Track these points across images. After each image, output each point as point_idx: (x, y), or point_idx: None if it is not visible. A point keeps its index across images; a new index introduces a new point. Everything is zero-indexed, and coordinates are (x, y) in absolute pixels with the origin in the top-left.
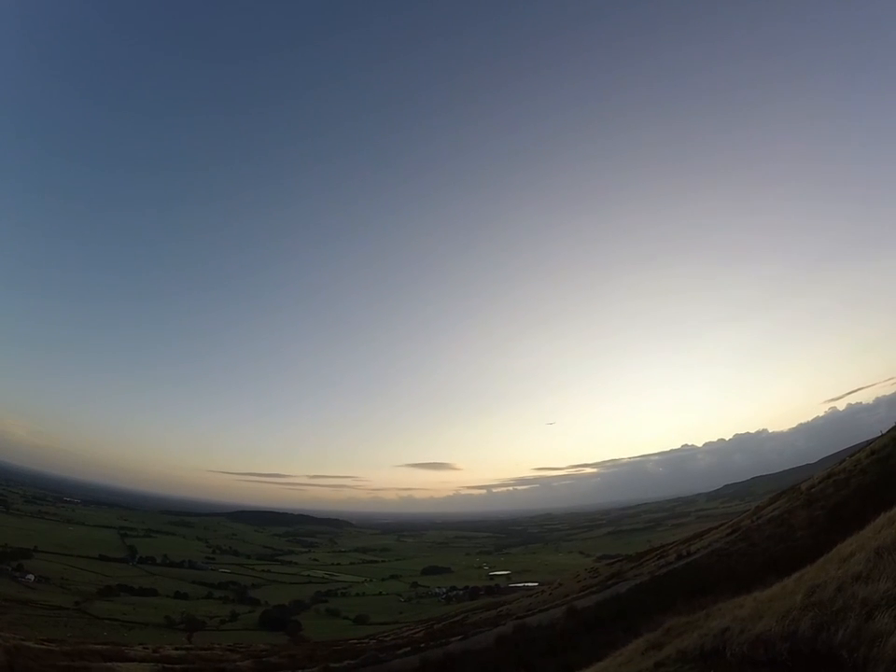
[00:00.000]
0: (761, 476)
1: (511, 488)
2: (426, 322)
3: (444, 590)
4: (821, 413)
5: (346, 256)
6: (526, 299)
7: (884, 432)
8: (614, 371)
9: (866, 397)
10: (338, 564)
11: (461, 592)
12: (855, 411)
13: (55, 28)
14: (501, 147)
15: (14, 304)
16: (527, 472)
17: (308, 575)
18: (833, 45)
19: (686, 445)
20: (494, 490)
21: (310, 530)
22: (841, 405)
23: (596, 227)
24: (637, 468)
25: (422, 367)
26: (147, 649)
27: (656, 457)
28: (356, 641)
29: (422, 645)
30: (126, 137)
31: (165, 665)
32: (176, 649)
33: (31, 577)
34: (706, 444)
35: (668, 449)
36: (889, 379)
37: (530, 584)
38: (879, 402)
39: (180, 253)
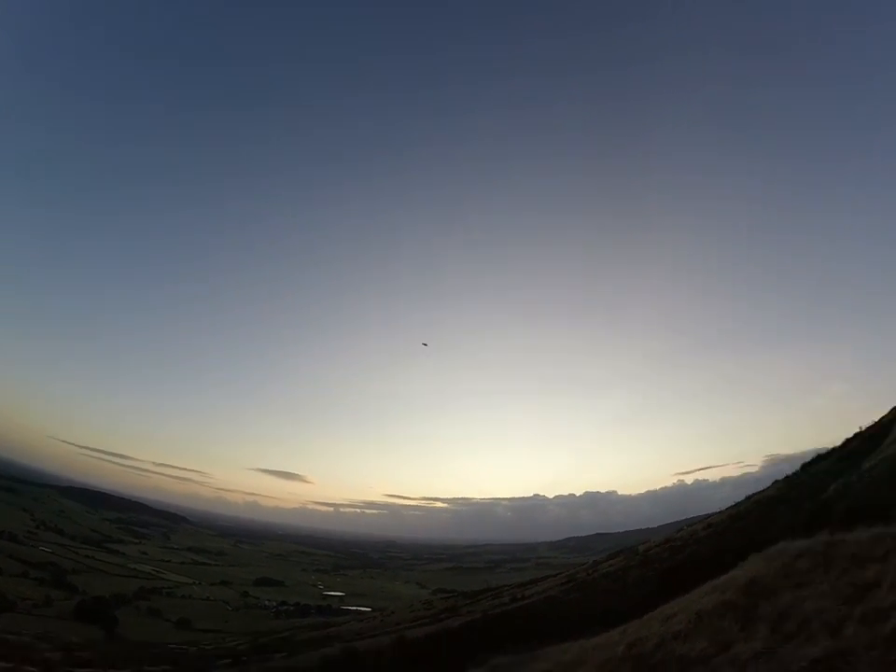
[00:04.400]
0: (603, 533)
1: (359, 510)
2: (305, 328)
3: (275, 604)
4: (669, 484)
5: (236, 245)
6: (413, 327)
7: (723, 510)
8: (480, 415)
9: (713, 475)
10: (168, 561)
11: (292, 607)
12: (701, 487)
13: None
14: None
15: None
16: (378, 497)
17: (134, 568)
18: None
19: (537, 495)
20: (342, 509)
21: (144, 520)
22: (689, 479)
23: (493, 278)
24: (486, 509)
25: (292, 372)
26: None
27: (506, 502)
28: (175, 646)
29: (244, 658)
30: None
31: None
32: None
33: None
34: (556, 497)
35: (520, 496)
36: (738, 462)
37: (363, 609)
38: (725, 482)
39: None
